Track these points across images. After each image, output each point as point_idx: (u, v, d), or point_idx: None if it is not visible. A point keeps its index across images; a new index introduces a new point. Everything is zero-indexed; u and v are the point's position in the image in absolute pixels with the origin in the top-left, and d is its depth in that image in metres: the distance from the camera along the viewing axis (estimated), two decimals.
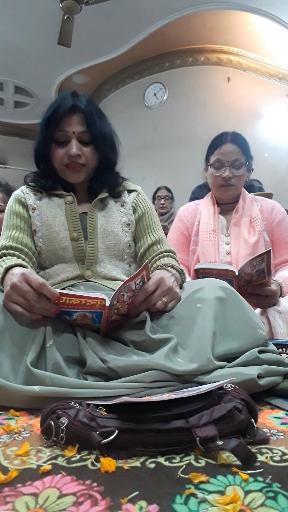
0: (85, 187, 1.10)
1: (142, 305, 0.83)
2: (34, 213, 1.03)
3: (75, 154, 0.99)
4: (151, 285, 0.84)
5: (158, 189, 3.85)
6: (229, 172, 1.42)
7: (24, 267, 0.87)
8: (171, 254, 1.05)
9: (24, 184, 1.10)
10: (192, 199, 2.54)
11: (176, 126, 4.69)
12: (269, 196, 2.36)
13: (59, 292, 0.74)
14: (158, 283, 0.85)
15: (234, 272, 1.10)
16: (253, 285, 1.17)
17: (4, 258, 0.94)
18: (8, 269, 0.85)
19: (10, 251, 0.96)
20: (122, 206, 1.10)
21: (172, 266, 0.96)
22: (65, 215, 1.03)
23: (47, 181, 1.06)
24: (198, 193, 2.56)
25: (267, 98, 4.58)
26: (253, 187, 2.66)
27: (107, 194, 1.08)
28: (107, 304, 0.74)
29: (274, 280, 1.24)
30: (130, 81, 5.15)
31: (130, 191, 1.14)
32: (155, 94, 4.95)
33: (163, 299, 0.85)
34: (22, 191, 1.07)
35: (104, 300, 0.74)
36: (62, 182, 1.08)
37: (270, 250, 1.10)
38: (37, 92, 5.49)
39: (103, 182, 1.08)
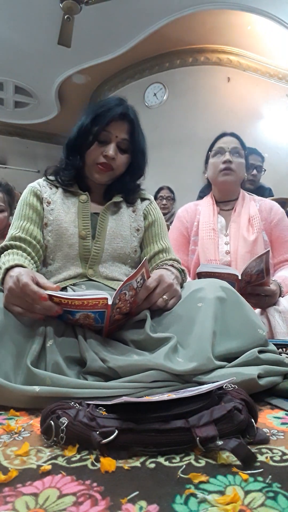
0: (101, 189, 1.12)
1: (143, 303, 0.84)
2: (48, 207, 1.05)
3: (112, 156, 1.02)
4: (152, 282, 0.84)
5: (161, 189, 3.85)
6: (229, 156, 1.46)
7: (24, 267, 0.88)
8: (175, 262, 1.05)
9: (43, 177, 1.12)
10: (201, 197, 2.54)
11: (176, 126, 4.69)
12: (286, 201, 2.36)
13: (48, 294, 0.74)
14: (158, 280, 0.85)
15: (237, 276, 1.11)
16: (253, 285, 1.18)
17: (9, 251, 0.95)
18: (8, 270, 0.85)
19: (17, 243, 0.97)
20: (133, 211, 1.12)
21: (172, 265, 0.96)
22: (77, 213, 1.04)
23: (66, 177, 1.07)
24: (206, 191, 2.56)
25: (267, 98, 4.58)
26: (262, 188, 2.66)
27: (121, 199, 1.10)
28: (110, 303, 0.74)
29: (273, 280, 1.24)
30: (130, 81, 5.15)
31: (143, 199, 1.17)
32: (155, 94, 4.94)
33: (164, 296, 0.85)
34: (39, 184, 1.09)
35: (107, 299, 0.74)
36: (80, 182, 1.09)
37: (269, 251, 1.11)
38: (37, 92, 5.49)
39: (121, 188, 1.11)
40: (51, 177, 1.10)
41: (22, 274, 0.77)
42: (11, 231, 1.01)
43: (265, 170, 2.60)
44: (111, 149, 1.02)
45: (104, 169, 1.04)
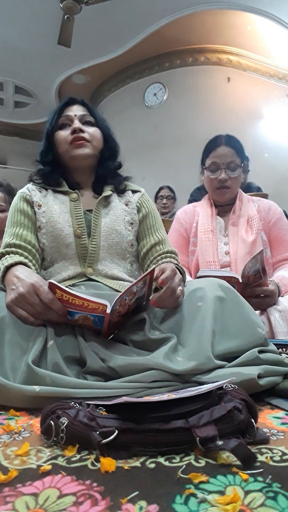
0: (90, 184, 1.12)
1: (169, 300, 0.82)
2: (40, 210, 1.04)
3: (78, 128, 1.06)
4: (172, 278, 0.83)
5: (161, 188, 3.84)
6: (224, 174, 1.43)
7: (25, 264, 0.88)
8: (173, 255, 1.05)
9: (29, 182, 1.12)
10: (190, 201, 2.55)
11: (176, 126, 4.69)
12: (264, 196, 2.37)
13: (51, 283, 0.74)
14: (172, 270, 0.85)
15: (238, 278, 1.11)
16: (252, 286, 1.18)
17: (6, 256, 0.94)
18: (8, 268, 0.85)
19: (14, 249, 0.96)
20: (126, 205, 1.11)
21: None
22: (70, 212, 1.03)
23: (52, 178, 1.08)
24: (196, 195, 2.57)
25: (267, 98, 4.58)
26: (250, 188, 2.66)
27: (111, 192, 1.10)
28: (108, 311, 0.74)
29: (271, 280, 1.24)
30: (130, 81, 5.15)
31: (134, 192, 1.16)
32: (155, 94, 4.95)
33: (180, 287, 0.85)
34: (28, 189, 1.08)
35: (106, 306, 0.73)
36: (67, 180, 1.10)
37: (262, 250, 1.12)
38: (37, 92, 5.48)
39: (106, 174, 1.12)
40: (39, 180, 1.10)
41: (42, 285, 0.77)
42: (5, 239, 1.00)
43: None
44: (75, 124, 1.06)
45: (79, 142, 1.05)
